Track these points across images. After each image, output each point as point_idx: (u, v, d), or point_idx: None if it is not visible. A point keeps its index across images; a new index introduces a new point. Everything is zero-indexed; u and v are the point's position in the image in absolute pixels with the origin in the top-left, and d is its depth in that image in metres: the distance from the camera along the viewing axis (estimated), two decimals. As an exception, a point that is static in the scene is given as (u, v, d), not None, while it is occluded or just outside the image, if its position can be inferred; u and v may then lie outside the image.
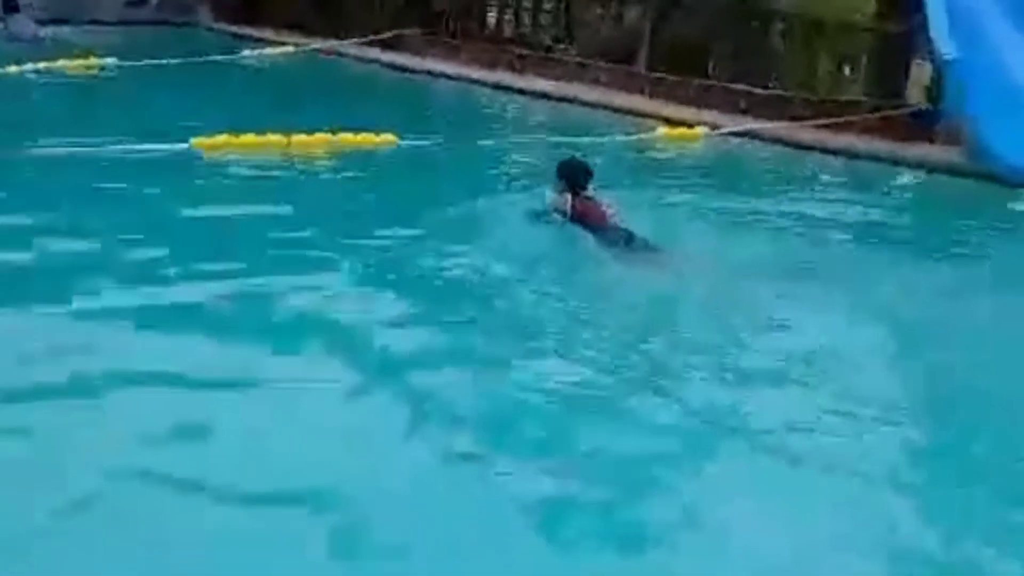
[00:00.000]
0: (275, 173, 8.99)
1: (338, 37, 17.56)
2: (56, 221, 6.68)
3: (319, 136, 9.83)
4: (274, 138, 9.60)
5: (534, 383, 4.86)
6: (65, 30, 16.86)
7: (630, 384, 4.94)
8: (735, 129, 12.06)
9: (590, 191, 7.05)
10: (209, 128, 9.47)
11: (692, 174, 10.57)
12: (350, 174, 9.25)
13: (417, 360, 5.06)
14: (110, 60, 13.84)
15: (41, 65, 12.92)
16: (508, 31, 18.59)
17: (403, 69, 16.11)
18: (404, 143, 10.21)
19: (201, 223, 7.11)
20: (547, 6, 18.43)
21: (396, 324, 5.51)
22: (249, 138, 9.46)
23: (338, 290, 5.99)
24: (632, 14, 16.95)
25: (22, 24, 16.67)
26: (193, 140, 9.14)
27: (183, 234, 6.82)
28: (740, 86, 13.98)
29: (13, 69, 12.57)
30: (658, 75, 14.90)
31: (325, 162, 9.51)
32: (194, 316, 5.37)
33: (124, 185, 7.76)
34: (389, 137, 10.21)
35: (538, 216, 7.09)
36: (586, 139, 10.97)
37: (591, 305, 6.00)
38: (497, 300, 6.01)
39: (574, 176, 7.08)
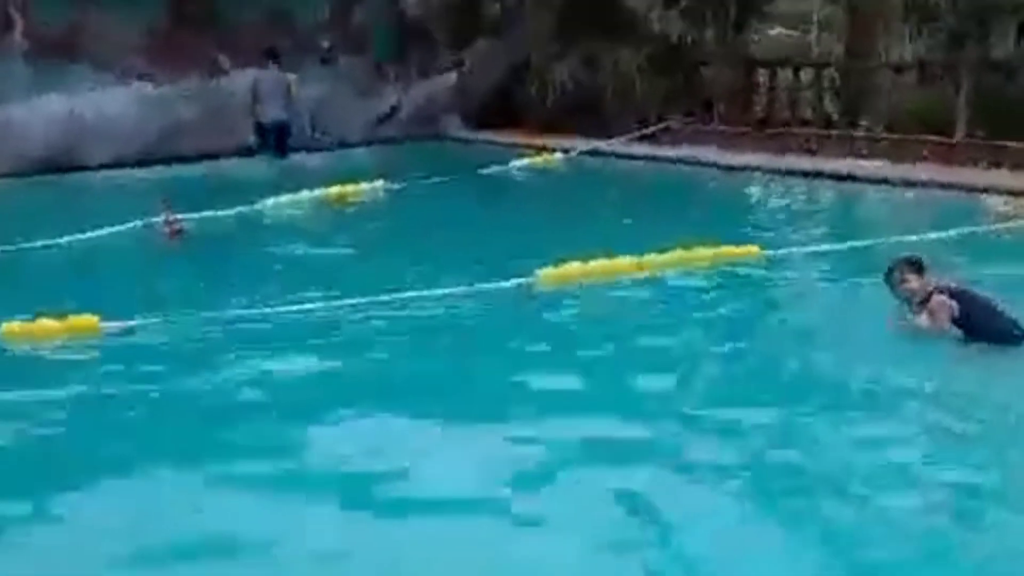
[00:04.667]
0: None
1: (599, 136, 16.09)
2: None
3: (674, 254, 8.20)
4: (625, 261, 8.04)
5: None
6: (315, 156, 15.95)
7: None
8: None
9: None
10: (521, 252, 8.40)
11: None
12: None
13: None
14: (381, 183, 12.61)
15: (309, 194, 11.65)
16: (780, 113, 16.71)
17: (693, 164, 14.49)
18: (768, 252, 8.51)
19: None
20: (825, 83, 16.49)
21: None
22: (599, 264, 7.92)
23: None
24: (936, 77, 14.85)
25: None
26: (540, 272, 7.67)
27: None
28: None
29: (272, 201, 11.21)
30: (995, 144, 12.76)
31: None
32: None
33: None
34: (752, 248, 8.51)
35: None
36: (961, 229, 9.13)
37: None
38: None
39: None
